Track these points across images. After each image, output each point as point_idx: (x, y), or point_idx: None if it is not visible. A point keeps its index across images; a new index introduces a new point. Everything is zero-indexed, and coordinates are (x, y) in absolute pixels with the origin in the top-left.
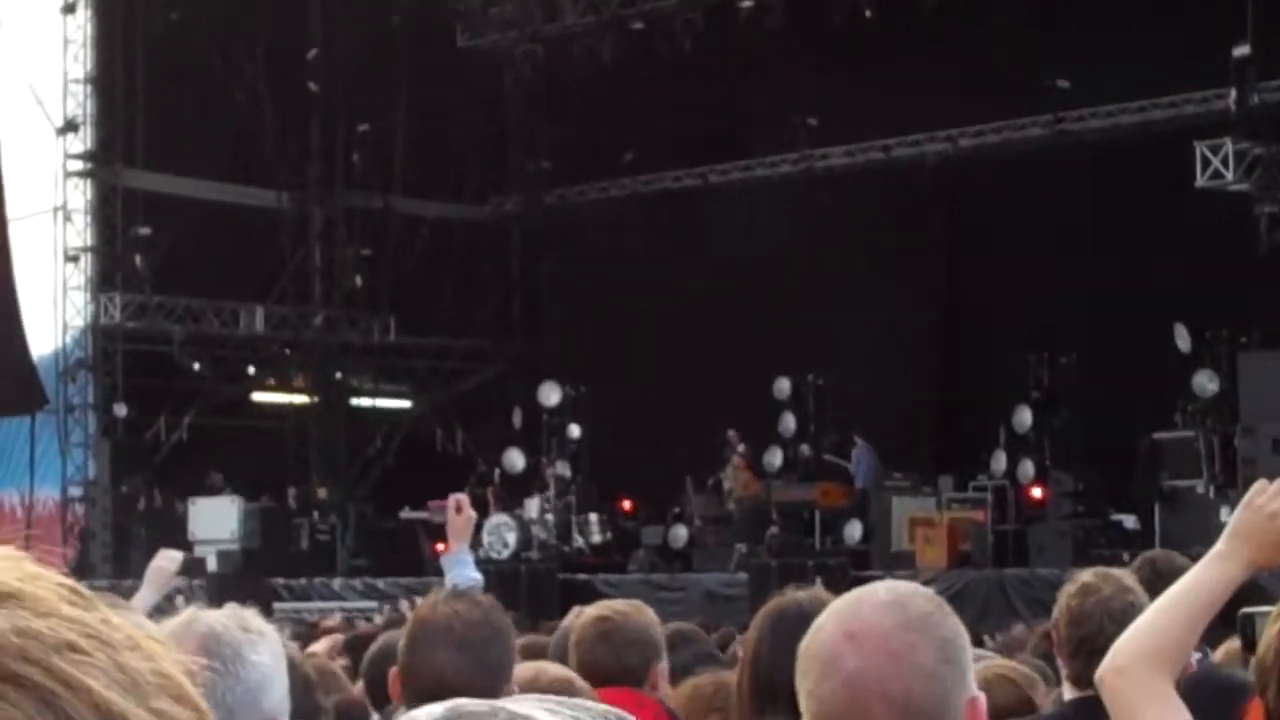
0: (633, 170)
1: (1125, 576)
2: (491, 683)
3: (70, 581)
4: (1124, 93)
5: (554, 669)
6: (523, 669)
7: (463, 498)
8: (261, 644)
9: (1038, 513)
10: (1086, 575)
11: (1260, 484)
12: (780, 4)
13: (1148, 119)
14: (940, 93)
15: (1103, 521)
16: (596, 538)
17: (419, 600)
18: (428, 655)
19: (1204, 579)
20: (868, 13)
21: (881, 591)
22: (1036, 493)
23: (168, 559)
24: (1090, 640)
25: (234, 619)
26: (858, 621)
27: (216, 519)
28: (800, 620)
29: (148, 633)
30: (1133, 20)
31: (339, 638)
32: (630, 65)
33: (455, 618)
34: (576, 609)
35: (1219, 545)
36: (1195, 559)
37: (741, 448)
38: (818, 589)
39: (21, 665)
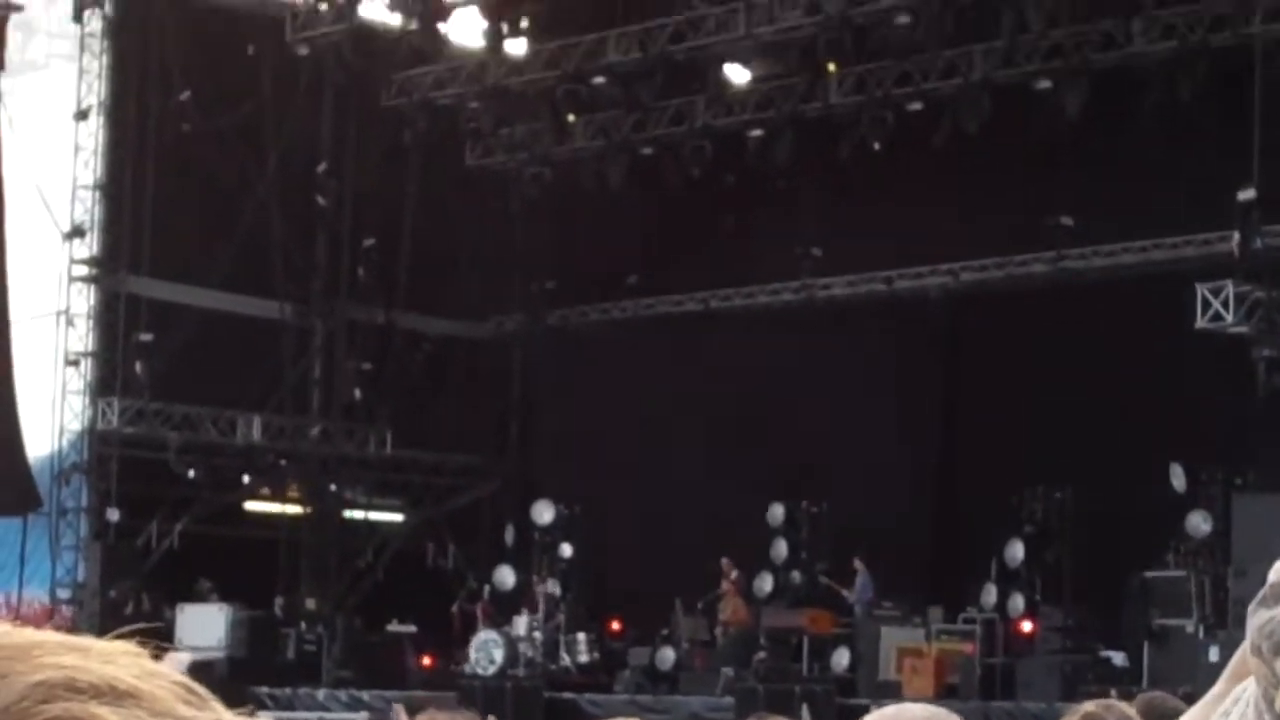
0: (636, 293)
1: (1127, 707)
2: None
3: (186, 680)
4: (1127, 232)
5: None
6: None
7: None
8: None
9: (1026, 647)
10: (1089, 706)
11: None
12: (789, 134)
13: (1149, 259)
14: (944, 226)
15: (1092, 657)
16: (584, 657)
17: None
18: None
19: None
20: (875, 145)
21: (919, 710)
22: (1026, 626)
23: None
24: None
25: None
26: None
27: (204, 626)
28: None
29: None
30: (1138, 161)
31: None
32: (638, 189)
33: None
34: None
35: (1217, 687)
36: (1185, 698)
37: (735, 574)
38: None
39: None
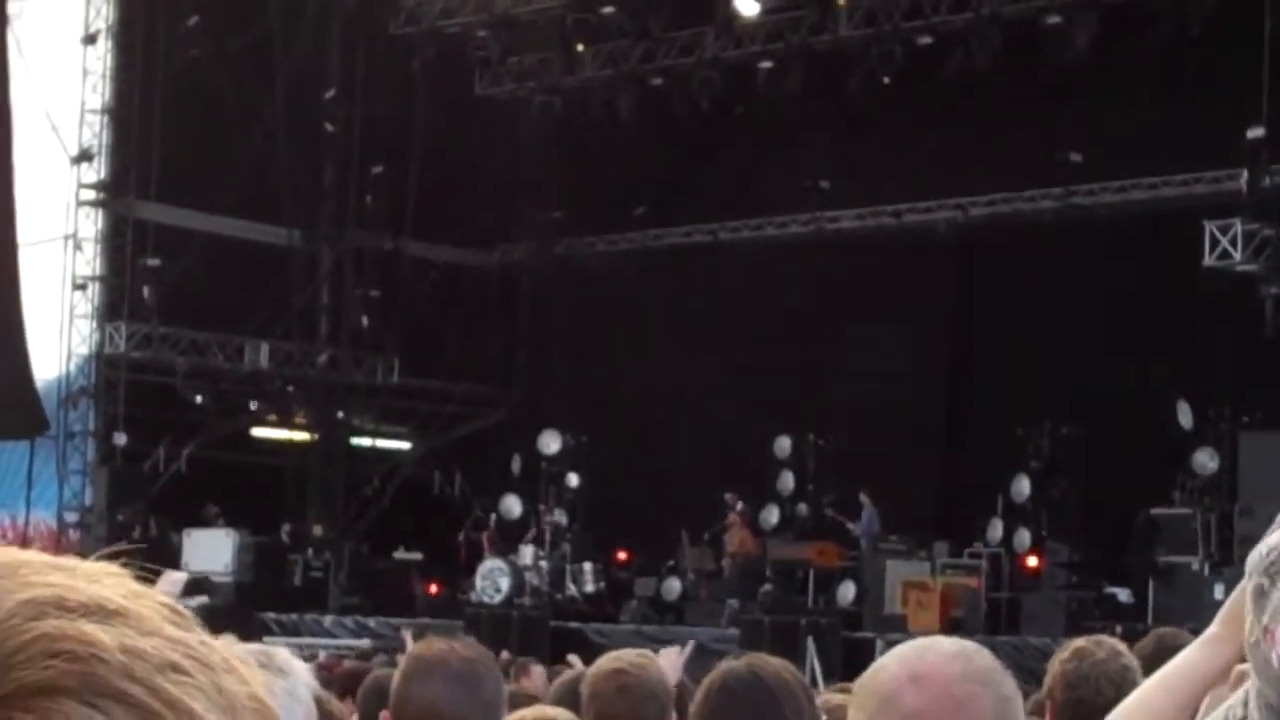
0: (643, 224)
1: (1117, 642)
2: (485, 717)
3: (171, 601)
4: (1136, 168)
5: (557, 713)
6: (524, 713)
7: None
8: (298, 682)
9: (1032, 582)
10: (1079, 641)
11: None
12: (799, 67)
13: (1158, 195)
14: (954, 161)
15: (1096, 594)
16: (590, 587)
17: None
18: (422, 687)
19: (1196, 661)
20: (885, 79)
21: (948, 643)
22: (1032, 562)
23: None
24: (1087, 703)
25: (263, 655)
26: (923, 665)
27: (211, 551)
28: (747, 689)
29: (238, 657)
30: (1147, 97)
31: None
32: (646, 120)
33: (450, 653)
34: (572, 659)
35: (1213, 628)
36: (1192, 635)
37: (740, 506)
38: (757, 659)
39: (127, 683)
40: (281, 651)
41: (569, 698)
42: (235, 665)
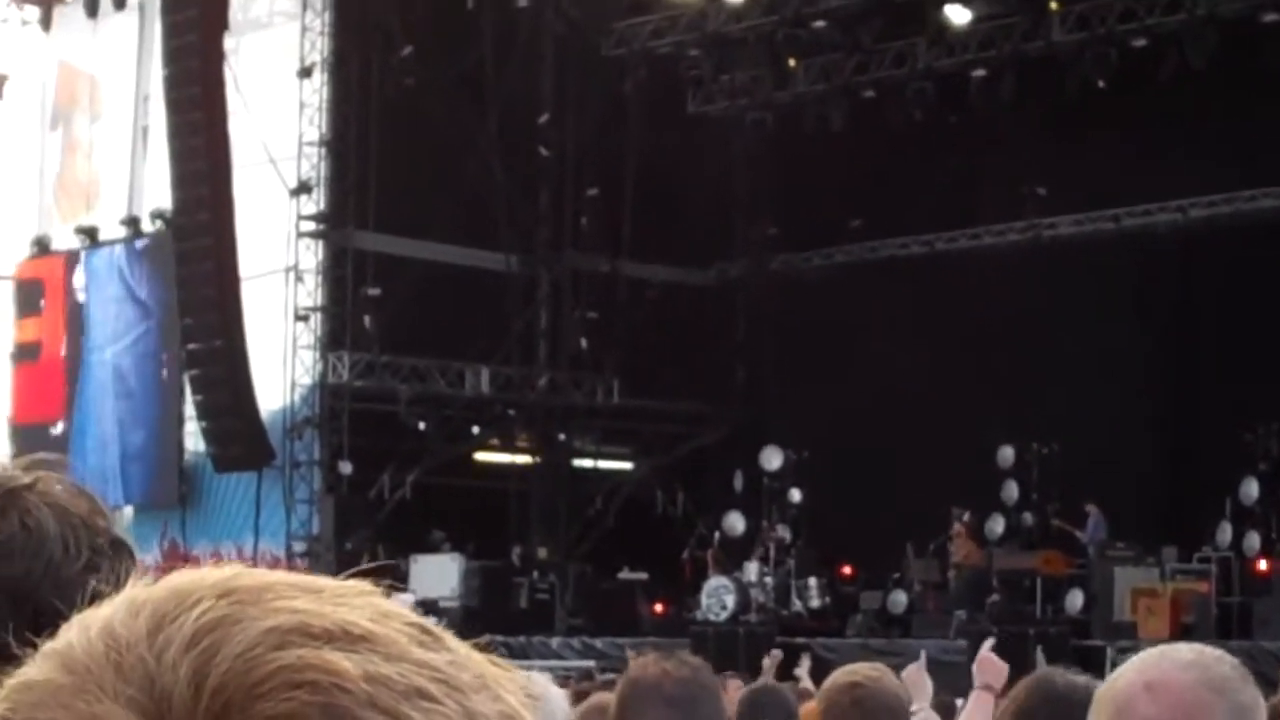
0: (859, 237)
1: None
2: None
3: (421, 620)
4: None
5: None
6: None
7: None
8: (554, 708)
9: (1263, 586)
10: None
11: None
12: (1012, 74)
13: None
14: (1171, 163)
15: None
16: (815, 602)
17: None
18: (639, 713)
19: None
20: (1100, 83)
21: (1186, 650)
22: (1262, 565)
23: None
24: None
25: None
26: (1158, 673)
27: (438, 576)
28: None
29: (496, 669)
30: None
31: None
32: (860, 132)
33: (665, 676)
34: (800, 672)
35: None
36: None
37: (966, 516)
38: (1071, 676)
39: (370, 713)
40: (537, 676)
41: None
42: (489, 682)
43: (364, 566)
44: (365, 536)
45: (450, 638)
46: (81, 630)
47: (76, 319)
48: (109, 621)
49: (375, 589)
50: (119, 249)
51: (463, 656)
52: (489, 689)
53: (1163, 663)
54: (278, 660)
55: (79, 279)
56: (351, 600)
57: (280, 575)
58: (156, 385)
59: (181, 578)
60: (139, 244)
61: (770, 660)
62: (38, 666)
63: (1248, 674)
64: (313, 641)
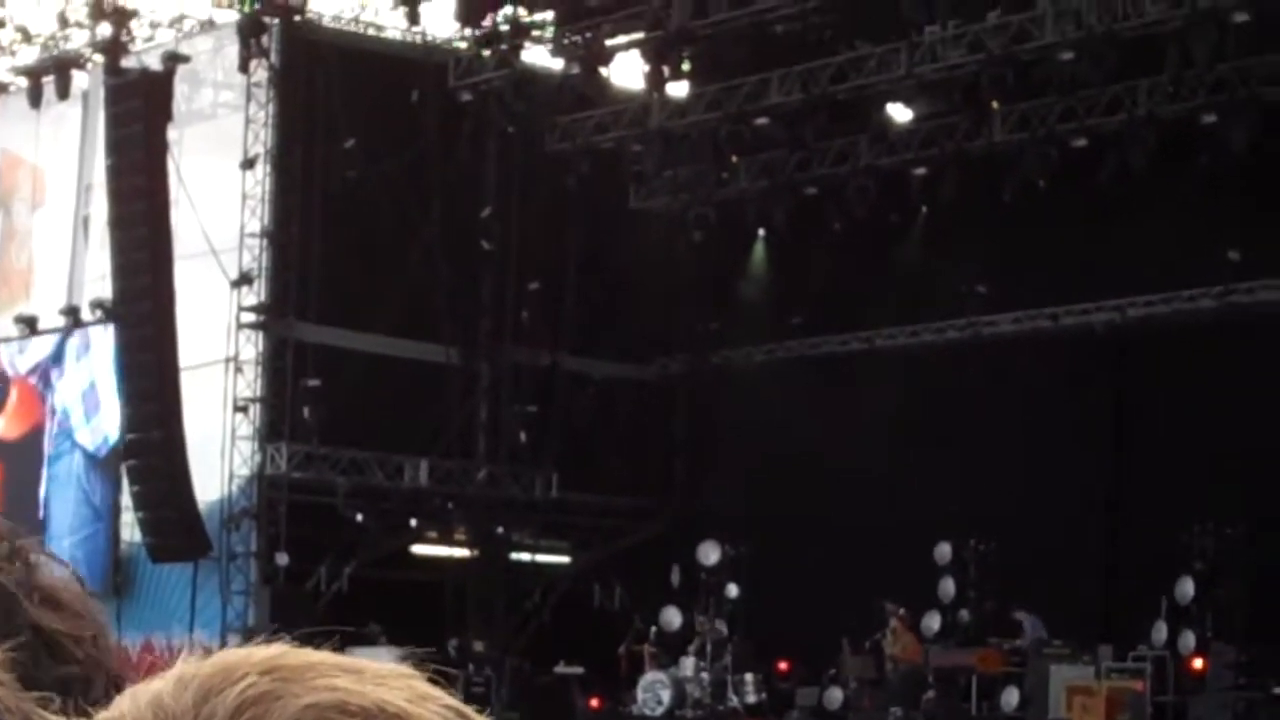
0: (799, 333)
1: None
2: None
3: (457, 703)
4: None
5: None
6: None
7: None
8: None
9: (1198, 684)
10: None
11: None
12: (954, 172)
13: None
14: (1110, 262)
15: (1265, 695)
16: (751, 698)
17: None
18: None
19: None
20: (1041, 183)
21: None
22: (1197, 664)
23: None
24: None
25: None
26: None
27: None
28: None
29: None
30: None
31: None
32: (800, 229)
33: None
34: None
35: None
36: None
37: (901, 611)
38: None
39: None
40: None
41: None
42: None
43: None
44: (302, 629)
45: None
46: (132, 701)
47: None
48: (158, 694)
49: (415, 673)
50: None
51: None
52: None
53: None
54: None
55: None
56: (390, 682)
57: (325, 655)
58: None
59: (229, 655)
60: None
61: None
62: None
63: None
64: (350, 719)
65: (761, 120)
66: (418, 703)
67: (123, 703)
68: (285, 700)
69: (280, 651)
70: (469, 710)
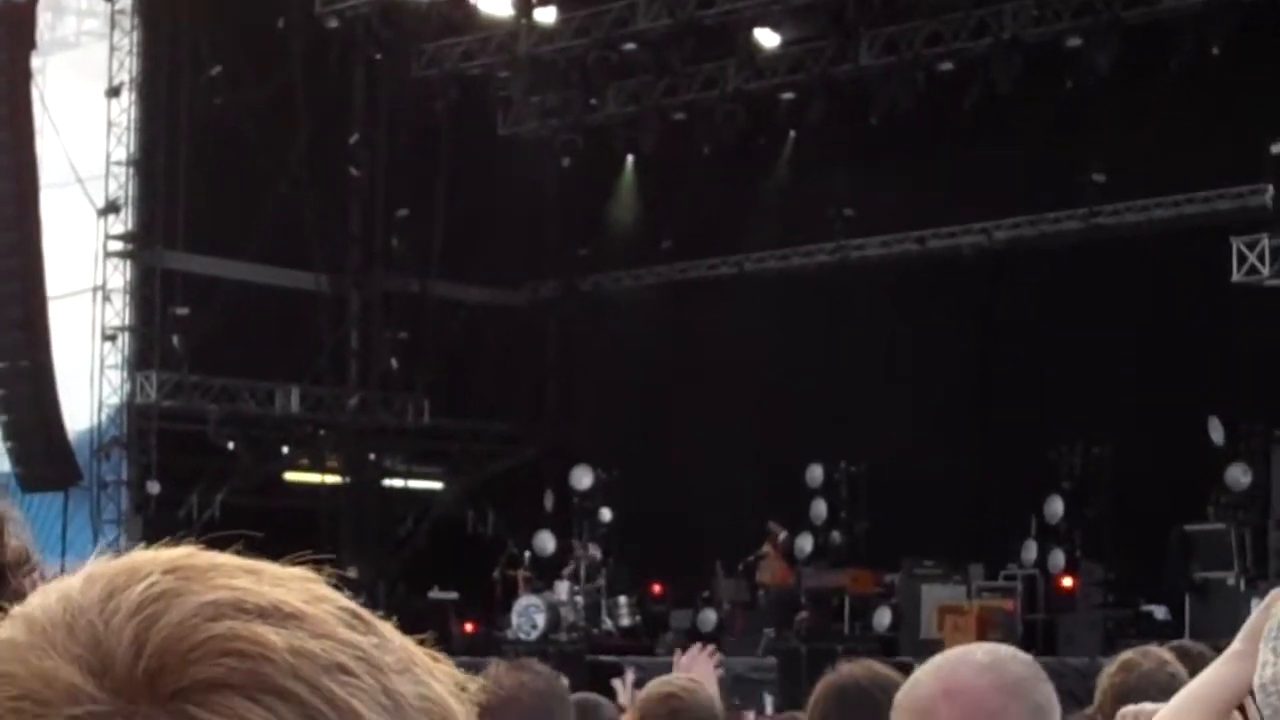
0: (669, 258)
1: (1164, 652)
2: None
3: (353, 605)
4: (1159, 187)
5: None
6: None
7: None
8: None
9: (1068, 603)
10: (1127, 654)
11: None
12: (821, 98)
13: (1182, 214)
14: (977, 186)
15: (1133, 612)
16: (626, 620)
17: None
18: None
19: (1221, 676)
20: (907, 107)
21: (980, 653)
22: (1067, 582)
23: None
24: None
25: None
26: (956, 680)
27: None
28: (860, 696)
29: (429, 659)
30: (1170, 116)
31: None
32: (669, 154)
33: (521, 688)
34: (616, 684)
35: (1235, 644)
36: (1223, 650)
37: (783, 535)
38: (870, 662)
39: (291, 682)
40: None
41: None
42: (413, 666)
43: None
44: None
45: (383, 625)
46: (44, 596)
47: None
48: (69, 589)
49: (314, 576)
50: None
51: (389, 641)
52: (412, 673)
53: (960, 668)
54: (211, 630)
55: None
56: (288, 583)
57: (228, 558)
58: None
59: (138, 556)
60: None
61: (624, 681)
62: (4, 626)
63: (1041, 671)
64: (245, 615)
65: (629, 46)
66: (314, 603)
67: (35, 598)
68: (185, 597)
69: (186, 553)
70: (364, 612)
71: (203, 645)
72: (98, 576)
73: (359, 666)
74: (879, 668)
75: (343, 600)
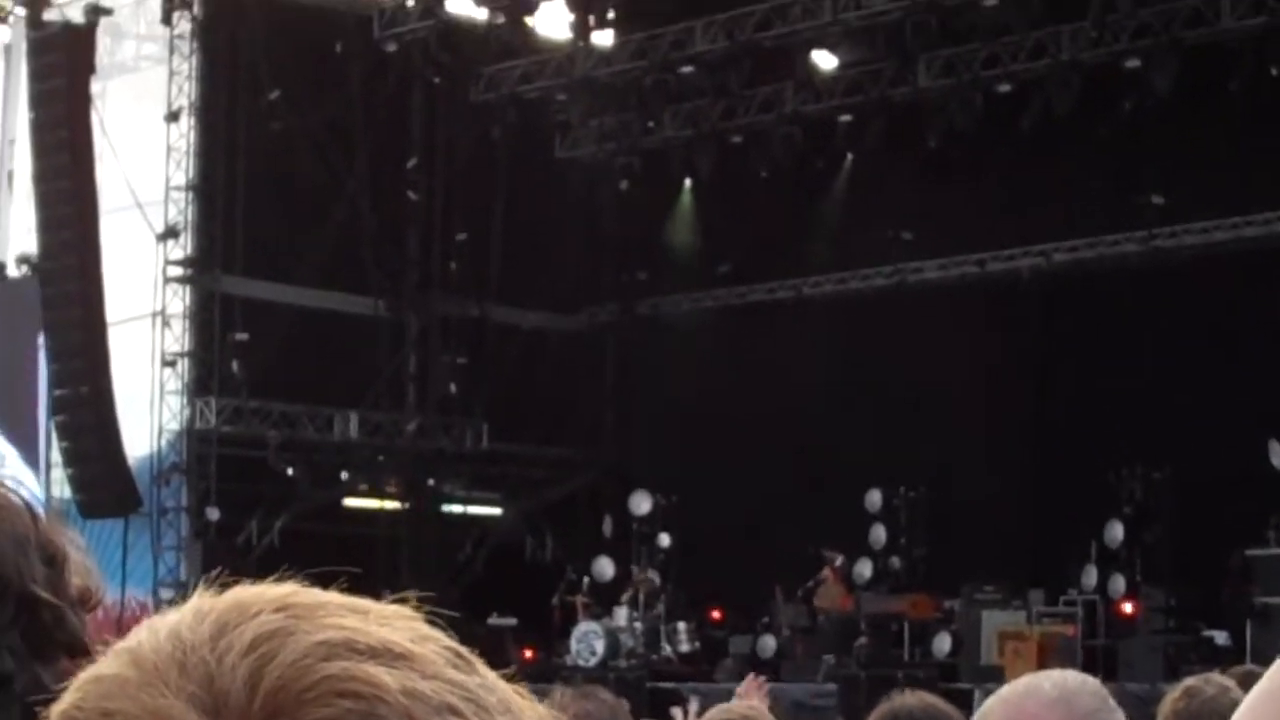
0: (727, 281)
1: (1225, 678)
2: None
3: (456, 645)
4: (1218, 210)
5: None
6: None
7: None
8: None
9: (1128, 628)
10: (1190, 680)
11: None
12: (879, 119)
13: (1241, 236)
14: (1036, 208)
15: (1194, 637)
16: (685, 646)
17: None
18: None
19: None
20: (965, 128)
21: (1048, 685)
22: (1127, 608)
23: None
24: None
25: None
26: (1024, 715)
27: None
28: None
29: (523, 697)
30: (1228, 137)
31: None
32: (727, 177)
33: (587, 716)
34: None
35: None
36: None
37: (840, 560)
38: (923, 693)
39: None
40: None
41: None
42: (513, 707)
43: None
44: (233, 583)
45: (481, 664)
46: (151, 632)
47: None
48: (176, 625)
49: (415, 614)
50: None
51: (491, 681)
52: (512, 713)
53: (1027, 702)
54: (325, 670)
55: None
56: (394, 621)
57: (332, 596)
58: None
59: (244, 591)
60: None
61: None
62: (108, 662)
63: (1110, 700)
64: (358, 656)
65: (686, 68)
66: (420, 643)
67: (141, 633)
68: (297, 636)
69: (292, 590)
70: (465, 651)
71: (317, 686)
72: (206, 612)
73: (466, 707)
74: (930, 698)
75: (446, 640)
